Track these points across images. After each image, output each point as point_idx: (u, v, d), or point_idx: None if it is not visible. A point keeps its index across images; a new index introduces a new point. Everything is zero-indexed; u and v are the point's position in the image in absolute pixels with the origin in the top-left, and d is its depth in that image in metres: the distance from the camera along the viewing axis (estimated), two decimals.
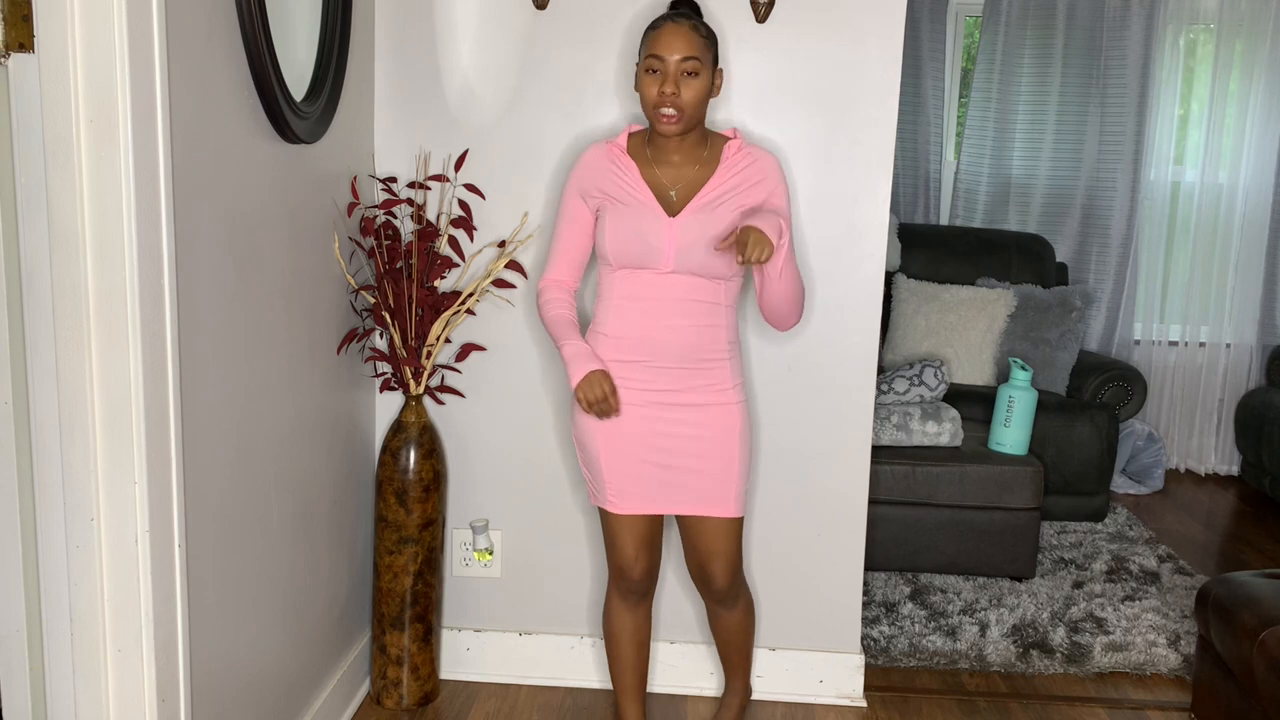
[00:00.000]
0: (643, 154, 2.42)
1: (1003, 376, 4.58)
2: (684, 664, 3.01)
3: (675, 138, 2.35)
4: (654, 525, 2.51)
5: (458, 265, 2.85)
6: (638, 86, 2.33)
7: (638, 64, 2.33)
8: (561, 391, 2.94)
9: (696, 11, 2.43)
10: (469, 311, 2.82)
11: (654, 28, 2.32)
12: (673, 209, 2.36)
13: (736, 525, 2.50)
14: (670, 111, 2.28)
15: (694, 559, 2.55)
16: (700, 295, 2.37)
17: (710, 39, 2.33)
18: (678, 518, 2.51)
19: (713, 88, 2.34)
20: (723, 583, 2.54)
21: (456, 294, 2.76)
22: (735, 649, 2.71)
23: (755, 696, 2.99)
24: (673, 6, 2.44)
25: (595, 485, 2.49)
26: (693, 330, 2.37)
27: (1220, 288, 5.43)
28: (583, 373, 2.37)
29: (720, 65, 2.33)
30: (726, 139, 2.42)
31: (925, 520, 3.82)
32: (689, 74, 2.28)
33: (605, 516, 2.50)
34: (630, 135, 2.45)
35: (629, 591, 2.56)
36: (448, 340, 2.84)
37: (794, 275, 2.34)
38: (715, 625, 2.68)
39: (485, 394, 2.95)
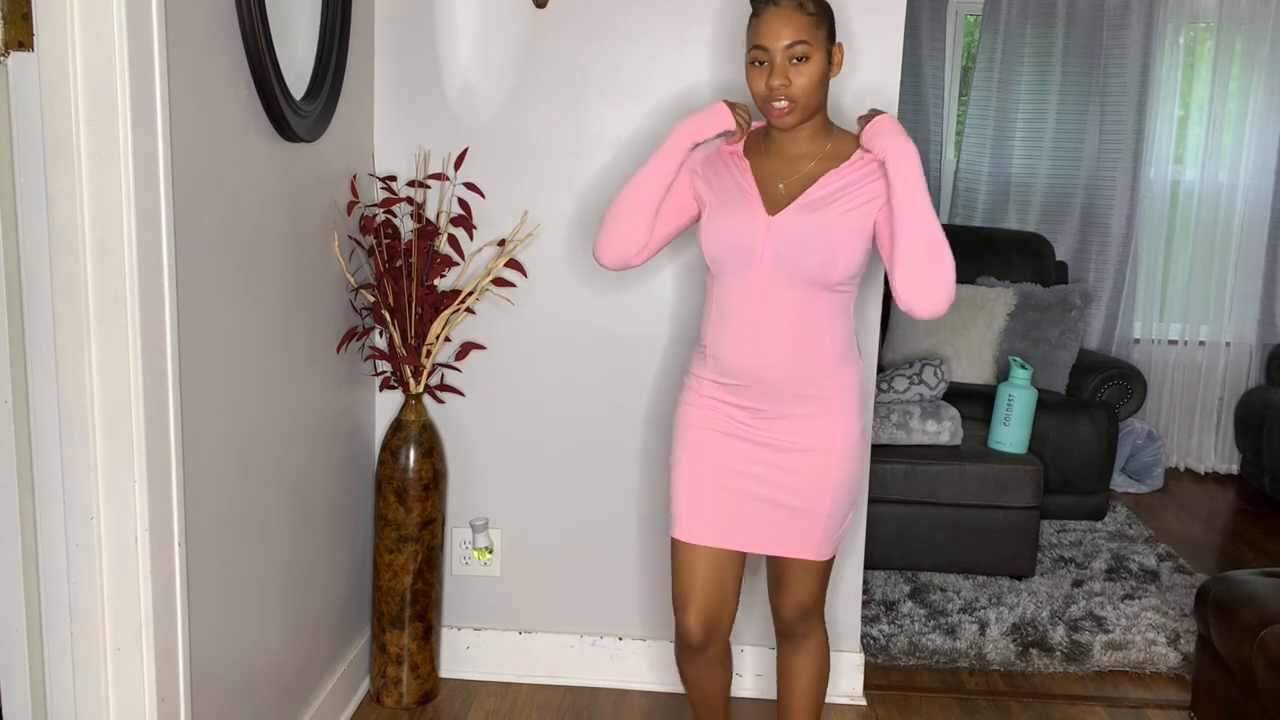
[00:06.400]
0: (758, 147, 2.21)
1: (1002, 375, 4.58)
2: None
3: (792, 130, 2.13)
4: (720, 573, 2.22)
5: (457, 264, 2.85)
6: (748, 81, 2.13)
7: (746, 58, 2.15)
8: (564, 391, 2.94)
9: None
10: (469, 310, 2.82)
11: (756, 14, 2.08)
12: (776, 206, 2.13)
13: (820, 567, 2.26)
14: (782, 104, 2.07)
15: (770, 581, 2.35)
16: (803, 305, 2.11)
17: (820, 15, 2.07)
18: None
19: (831, 66, 2.10)
20: (788, 617, 2.32)
21: (456, 293, 2.76)
22: (795, 710, 2.39)
23: (754, 695, 2.99)
24: None
25: (673, 513, 2.25)
26: (793, 344, 2.12)
27: (1220, 287, 5.43)
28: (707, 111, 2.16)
29: (840, 40, 2.06)
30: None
31: (925, 519, 3.82)
32: (797, 60, 2.04)
33: (672, 550, 2.26)
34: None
35: (686, 646, 2.28)
36: (447, 339, 2.84)
37: (932, 223, 2.03)
38: (779, 670, 2.42)
39: (485, 393, 2.95)
